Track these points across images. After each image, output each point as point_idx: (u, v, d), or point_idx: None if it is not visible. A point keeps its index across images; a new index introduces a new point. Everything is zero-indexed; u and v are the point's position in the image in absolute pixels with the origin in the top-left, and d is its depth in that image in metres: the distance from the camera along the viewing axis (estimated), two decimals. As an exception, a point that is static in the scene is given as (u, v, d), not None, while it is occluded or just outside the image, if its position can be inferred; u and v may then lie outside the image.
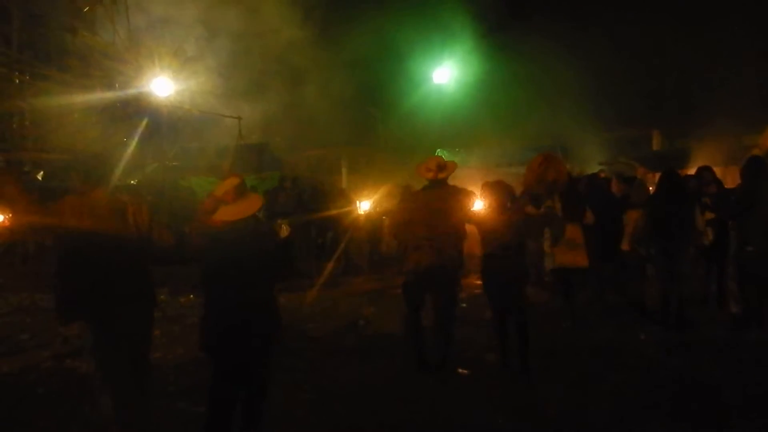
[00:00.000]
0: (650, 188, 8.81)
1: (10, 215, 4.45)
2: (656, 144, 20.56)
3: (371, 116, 21.99)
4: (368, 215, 10.77)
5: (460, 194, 5.85)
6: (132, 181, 16.14)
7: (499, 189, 5.82)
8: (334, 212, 11.37)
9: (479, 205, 5.96)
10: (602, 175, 10.40)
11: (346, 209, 11.22)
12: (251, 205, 4.08)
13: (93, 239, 4.09)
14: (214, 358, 3.99)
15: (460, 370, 5.80)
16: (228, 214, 4.00)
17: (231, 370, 3.96)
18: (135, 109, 16.93)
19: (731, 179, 9.35)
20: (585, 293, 8.03)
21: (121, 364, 4.17)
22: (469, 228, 5.95)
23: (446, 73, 20.15)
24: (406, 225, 5.82)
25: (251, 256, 3.98)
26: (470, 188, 6.04)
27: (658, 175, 7.87)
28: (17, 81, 17.06)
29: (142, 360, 4.36)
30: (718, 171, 8.73)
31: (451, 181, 6.05)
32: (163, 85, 16.55)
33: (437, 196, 5.83)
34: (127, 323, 4.18)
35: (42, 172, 18.33)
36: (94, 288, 4.11)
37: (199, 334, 4.06)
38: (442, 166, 5.90)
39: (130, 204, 4.29)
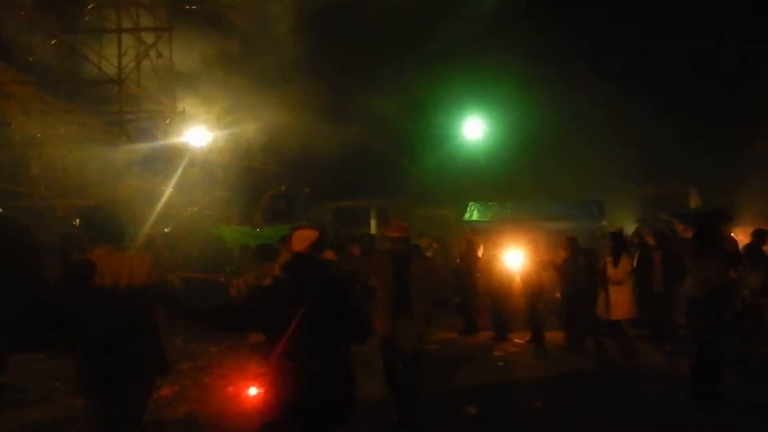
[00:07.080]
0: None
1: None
2: (693, 201, 20.18)
3: (403, 168, 22.06)
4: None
5: None
6: (165, 229, 16.23)
7: None
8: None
9: None
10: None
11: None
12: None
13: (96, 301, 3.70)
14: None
15: None
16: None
17: None
18: (170, 158, 17.15)
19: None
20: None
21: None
22: None
23: (478, 126, 20.18)
24: None
25: (325, 313, 3.37)
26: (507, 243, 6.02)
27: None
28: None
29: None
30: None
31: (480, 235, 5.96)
32: (199, 136, 16.84)
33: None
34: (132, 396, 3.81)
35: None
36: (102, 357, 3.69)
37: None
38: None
39: (134, 257, 3.89)
